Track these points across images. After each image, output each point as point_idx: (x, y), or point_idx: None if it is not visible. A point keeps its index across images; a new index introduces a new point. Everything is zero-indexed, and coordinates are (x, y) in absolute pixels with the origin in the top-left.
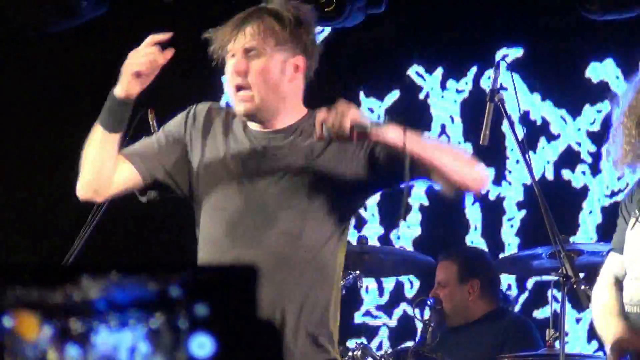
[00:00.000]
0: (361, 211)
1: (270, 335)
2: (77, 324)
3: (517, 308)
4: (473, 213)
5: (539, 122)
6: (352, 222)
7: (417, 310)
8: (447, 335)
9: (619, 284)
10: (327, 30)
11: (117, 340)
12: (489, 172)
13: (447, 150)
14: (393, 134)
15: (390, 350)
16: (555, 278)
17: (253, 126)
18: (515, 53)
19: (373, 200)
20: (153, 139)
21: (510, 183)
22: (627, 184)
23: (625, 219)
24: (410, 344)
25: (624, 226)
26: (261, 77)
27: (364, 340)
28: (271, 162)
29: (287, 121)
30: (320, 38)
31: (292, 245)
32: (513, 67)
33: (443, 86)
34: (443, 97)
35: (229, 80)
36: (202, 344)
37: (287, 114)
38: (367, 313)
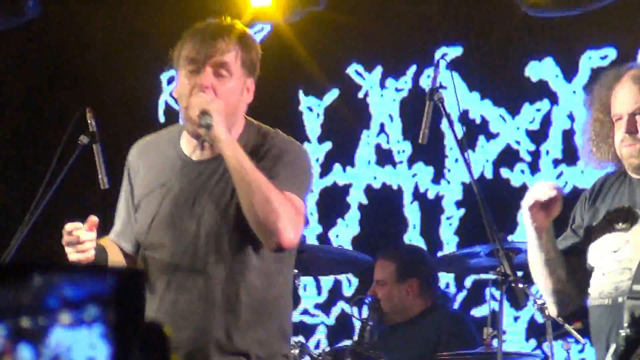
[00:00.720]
0: None
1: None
2: (29, 323)
3: (455, 306)
4: (412, 212)
5: (478, 121)
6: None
7: (355, 309)
8: (385, 333)
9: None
10: (267, 28)
11: (73, 338)
12: (295, 236)
13: (265, 188)
14: (223, 146)
15: (328, 349)
16: (494, 276)
17: (188, 151)
18: (454, 52)
19: (312, 199)
20: (122, 212)
21: (449, 182)
22: (566, 183)
23: (575, 229)
24: (348, 342)
25: (579, 216)
26: (226, 97)
27: (301, 338)
28: (200, 200)
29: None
30: (260, 35)
31: (221, 293)
32: (452, 65)
33: (382, 85)
34: (382, 95)
35: (187, 92)
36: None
37: (233, 132)
38: (305, 312)
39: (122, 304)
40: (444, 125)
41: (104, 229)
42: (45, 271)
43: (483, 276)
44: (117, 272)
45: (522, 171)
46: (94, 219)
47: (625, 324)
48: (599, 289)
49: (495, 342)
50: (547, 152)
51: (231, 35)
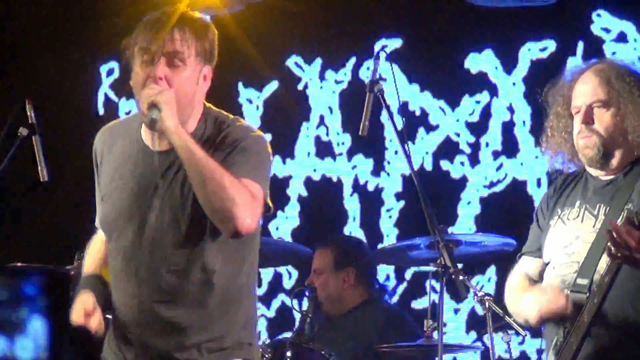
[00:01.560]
0: None
1: None
2: None
3: (395, 299)
4: (351, 204)
5: (418, 113)
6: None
7: (295, 301)
8: (324, 325)
9: (530, 280)
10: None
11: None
12: (252, 221)
13: (218, 176)
14: (172, 137)
15: (268, 341)
16: (434, 269)
17: (148, 141)
18: (394, 43)
19: None
20: (97, 199)
21: (388, 174)
22: (506, 175)
23: (540, 224)
24: (288, 334)
25: (539, 232)
26: (181, 87)
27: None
28: (160, 190)
29: (189, 128)
30: None
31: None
32: (392, 57)
33: (322, 77)
34: (322, 87)
35: (141, 82)
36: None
37: (190, 121)
38: None
39: (50, 301)
40: (384, 117)
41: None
42: None
43: (423, 268)
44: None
45: (462, 163)
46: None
47: (567, 320)
48: (549, 282)
49: (435, 335)
50: (487, 144)
51: (185, 24)
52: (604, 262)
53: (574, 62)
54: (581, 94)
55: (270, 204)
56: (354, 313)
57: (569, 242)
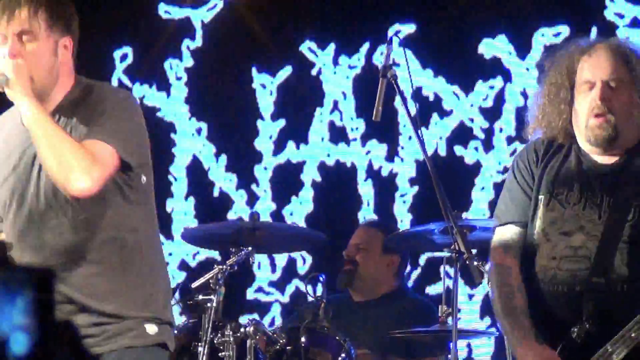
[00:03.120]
0: (253, 187)
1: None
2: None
3: (409, 284)
4: (365, 189)
5: (431, 98)
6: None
7: (309, 287)
8: (345, 308)
9: (518, 263)
10: (220, 4)
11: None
12: (92, 184)
13: (57, 140)
14: (18, 104)
15: (282, 326)
16: (448, 254)
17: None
18: (407, 29)
19: (265, 177)
20: None
21: (402, 159)
22: None
23: (525, 190)
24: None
25: (525, 199)
26: (35, 60)
27: (256, 316)
28: (36, 162)
29: (57, 98)
30: (213, 13)
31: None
32: (405, 43)
33: (335, 62)
34: (335, 73)
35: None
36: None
37: (57, 92)
38: (260, 289)
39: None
40: (398, 102)
41: None
42: None
43: (437, 254)
44: None
45: (476, 148)
46: None
47: (585, 316)
48: (550, 273)
49: (450, 320)
50: (501, 130)
51: (33, 1)
52: (619, 259)
53: None
54: (597, 67)
55: (130, 162)
56: (384, 301)
57: (569, 230)
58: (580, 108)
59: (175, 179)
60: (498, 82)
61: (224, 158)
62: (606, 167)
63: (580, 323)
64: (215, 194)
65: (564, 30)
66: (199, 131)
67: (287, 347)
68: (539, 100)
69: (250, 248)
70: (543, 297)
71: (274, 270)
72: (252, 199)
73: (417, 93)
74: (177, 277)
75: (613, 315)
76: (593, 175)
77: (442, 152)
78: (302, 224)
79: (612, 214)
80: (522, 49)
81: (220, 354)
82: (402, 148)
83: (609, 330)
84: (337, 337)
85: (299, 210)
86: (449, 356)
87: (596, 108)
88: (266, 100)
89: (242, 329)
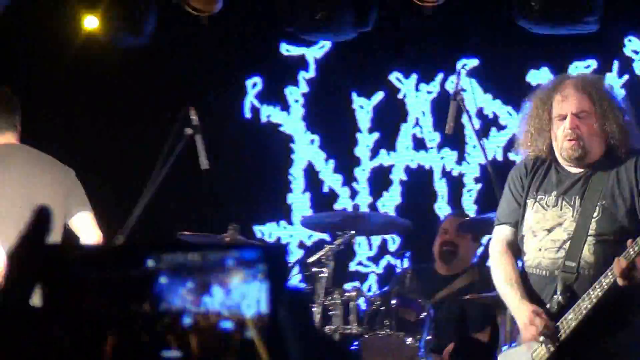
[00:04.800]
0: (354, 185)
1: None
2: (210, 279)
3: (475, 259)
4: (440, 186)
5: (490, 116)
6: None
7: (398, 261)
8: (429, 279)
9: (512, 251)
10: (327, 45)
11: (246, 290)
12: None
13: None
14: None
15: (377, 292)
16: None
17: None
18: (472, 63)
19: (363, 177)
20: None
21: (468, 163)
22: None
23: (516, 198)
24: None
25: (515, 205)
26: None
27: (357, 283)
28: None
29: None
30: (322, 51)
31: None
32: (470, 73)
33: (417, 88)
34: (417, 96)
35: None
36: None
37: None
38: (360, 263)
39: (270, 269)
40: (465, 119)
41: (206, 201)
42: (218, 246)
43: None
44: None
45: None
46: None
47: (559, 292)
48: (537, 261)
49: None
50: None
51: None
52: (587, 248)
53: (611, 78)
54: (567, 103)
55: None
56: (463, 274)
57: (551, 227)
58: (558, 133)
59: (294, 178)
60: None
61: (331, 162)
62: (578, 175)
63: (555, 297)
64: (325, 189)
65: (592, 63)
66: (312, 141)
67: (381, 308)
68: (525, 127)
69: (352, 231)
70: (531, 279)
71: (370, 248)
72: (353, 194)
73: (480, 112)
74: (296, 254)
75: (579, 292)
76: (568, 183)
77: (499, 157)
78: (392, 212)
79: (582, 212)
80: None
81: (329, 313)
82: (468, 154)
83: (574, 302)
84: (420, 300)
85: (390, 202)
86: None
87: (568, 135)
88: (363, 118)
89: (346, 294)
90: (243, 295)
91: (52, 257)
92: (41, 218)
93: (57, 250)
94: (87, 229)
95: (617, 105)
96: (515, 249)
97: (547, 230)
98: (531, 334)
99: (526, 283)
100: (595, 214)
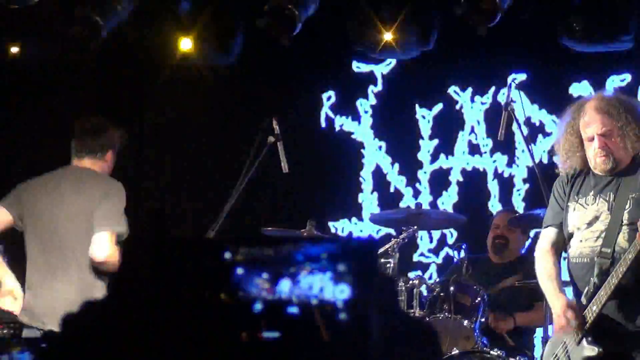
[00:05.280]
0: (417, 185)
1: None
2: (284, 270)
3: (523, 250)
4: (493, 186)
5: (537, 124)
6: None
7: (455, 252)
8: (482, 268)
9: (555, 249)
10: (393, 62)
11: (312, 280)
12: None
13: None
14: None
15: (437, 279)
16: None
17: None
18: (521, 77)
19: (425, 178)
20: None
21: (518, 165)
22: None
23: (560, 204)
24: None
25: (559, 209)
26: None
27: (419, 272)
28: None
29: None
30: (389, 68)
31: None
32: (520, 86)
33: (472, 100)
34: (472, 107)
35: None
36: (342, 290)
37: None
38: (421, 254)
39: (358, 260)
40: (514, 127)
41: (286, 200)
42: (294, 240)
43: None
44: (352, 239)
45: None
46: None
47: (595, 275)
48: (579, 251)
49: None
50: None
51: None
52: (621, 236)
53: None
54: (591, 126)
55: None
56: (513, 263)
57: (590, 221)
58: (589, 153)
59: (364, 180)
60: None
61: (397, 165)
62: (611, 177)
63: (592, 279)
64: (391, 190)
65: (627, 77)
66: (380, 147)
67: (441, 294)
68: (561, 148)
69: (415, 227)
70: (574, 267)
71: (431, 241)
72: (416, 193)
73: (528, 120)
74: None
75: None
76: (603, 183)
77: (545, 160)
78: (450, 210)
79: (616, 205)
80: (599, 90)
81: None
82: (518, 158)
83: (609, 287)
84: (475, 286)
85: (448, 200)
86: None
87: (599, 153)
88: (425, 126)
89: (410, 282)
90: (329, 283)
91: (157, 249)
92: (152, 218)
93: (160, 243)
94: (96, 245)
95: (634, 117)
96: (558, 247)
97: (587, 224)
98: (561, 324)
99: (571, 272)
100: (627, 206)
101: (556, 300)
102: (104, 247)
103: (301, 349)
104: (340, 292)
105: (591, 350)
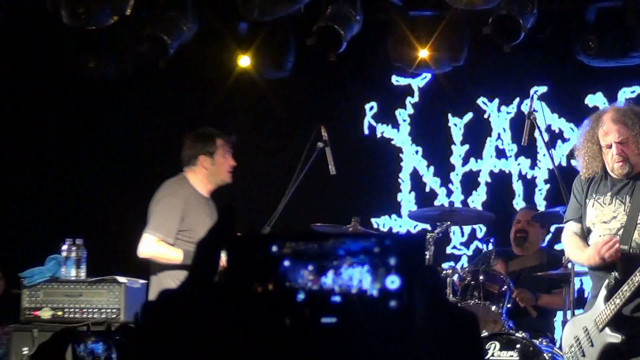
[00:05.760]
0: (450, 186)
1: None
2: (327, 263)
3: (544, 244)
4: (517, 187)
5: (557, 131)
6: None
7: (484, 245)
8: (507, 258)
9: (579, 237)
10: (429, 76)
11: (352, 273)
12: None
13: None
14: None
15: (467, 269)
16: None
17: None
18: (542, 89)
19: (457, 179)
20: None
21: (539, 168)
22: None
23: (578, 200)
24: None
25: (578, 205)
26: None
27: (452, 263)
28: None
29: None
30: (424, 81)
31: None
32: (541, 97)
33: (499, 110)
34: (498, 116)
35: None
36: (392, 281)
37: None
38: (454, 247)
39: (408, 254)
40: (536, 133)
41: (333, 199)
42: (338, 236)
43: (562, 225)
44: (402, 235)
45: None
46: None
47: (616, 269)
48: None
49: (569, 265)
50: None
51: None
52: (636, 233)
53: None
54: (608, 135)
55: None
56: (534, 254)
57: (608, 219)
58: (608, 159)
59: (402, 181)
60: None
61: (431, 168)
62: (626, 181)
63: (613, 273)
64: (427, 190)
65: (637, 89)
66: (417, 152)
67: (471, 282)
68: (582, 154)
69: (448, 222)
70: None
71: (462, 235)
72: (449, 193)
73: (548, 128)
74: None
75: (630, 269)
76: (619, 186)
77: (563, 163)
78: (479, 207)
79: (632, 207)
80: (611, 101)
81: None
82: (539, 161)
83: (627, 278)
84: (502, 276)
85: (477, 199)
86: (569, 287)
87: (616, 159)
88: (457, 133)
89: (444, 271)
90: (376, 275)
91: (230, 244)
92: (225, 215)
93: (231, 239)
94: (140, 244)
95: None
96: (579, 237)
97: (604, 222)
98: (605, 251)
99: (590, 268)
100: None
101: (587, 250)
102: (141, 246)
103: (354, 333)
104: (391, 283)
105: (615, 337)
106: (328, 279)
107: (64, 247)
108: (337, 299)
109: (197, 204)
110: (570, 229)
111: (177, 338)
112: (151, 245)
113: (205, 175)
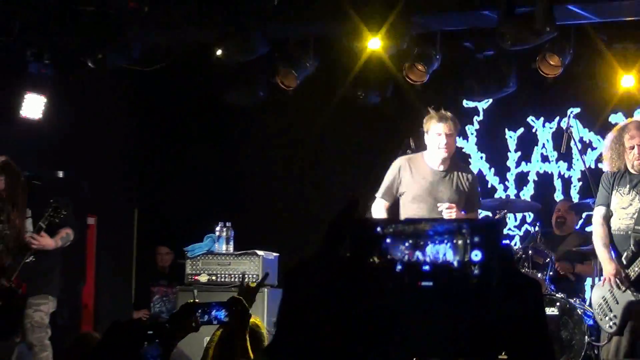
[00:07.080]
0: (506, 182)
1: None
2: (418, 242)
3: (577, 226)
4: (558, 183)
5: (587, 142)
6: None
7: (532, 228)
8: (551, 239)
9: (605, 220)
10: (490, 100)
11: (438, 249)
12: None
13: None
14: None
15: (520, 246)
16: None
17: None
18: (576, 109)
19: (512, 178)
20: None
21: (574, 169)
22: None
23: (606, 189)
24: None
25: (606, 194)
26: None
27: (507, 241)
28: None
29: None
30: (488, 103)
31: None
32: (576, 116)
33: (543, 125)
34: (543, 130)
35: None
36: (476, 254)
37: None
38: (509, 229)
39: (487, 233)
40: (572, 144)
41: None
42: (426, 220)
43: (591, 213)
44: (483, 220)
45: None
46: None
47: (632, 245)
48: (618, 226)
49: None
50: None
51: None
52: None
53: None
54: (633, 140)
55: None
56: (571, 235)
57: (626, 205)
58: (630, 157)
59: None
60: None
61: (492, 169)
62: None
63: (629, 248)
64: (489, 186)
65: None
66: (481, 157)
67: (522, 255)
68: (609, 155)
69: (505, 211)
70: (615, 237)
71: (515, 220)
72: (506, 188)
73: (581, 139)
74: None
75: None
76: (637, 180)
77: (592, 166)
78: (528, 199)
79: None
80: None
81: None
82: (574, 164)
83: None
84: (546, 251)
85: (527, 193)
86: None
87: (637, 157)
88: (512, 143)
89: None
90: (463, 249)
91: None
92: (350, 205)
93: (358, 222)
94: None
95: None
96: (607, 219)
97: (623, 208)
98: (614, 281)
99: (612, 243)
100: None
101: (608, 265)
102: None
103: (447, 293)
104: (475, 256)
105: (635, 296)
106: (420, 253)
107: (217, 228)
108: (427, 268)
109: None
110: (600, 213)
111: (311, 297)
112: None
113: None
